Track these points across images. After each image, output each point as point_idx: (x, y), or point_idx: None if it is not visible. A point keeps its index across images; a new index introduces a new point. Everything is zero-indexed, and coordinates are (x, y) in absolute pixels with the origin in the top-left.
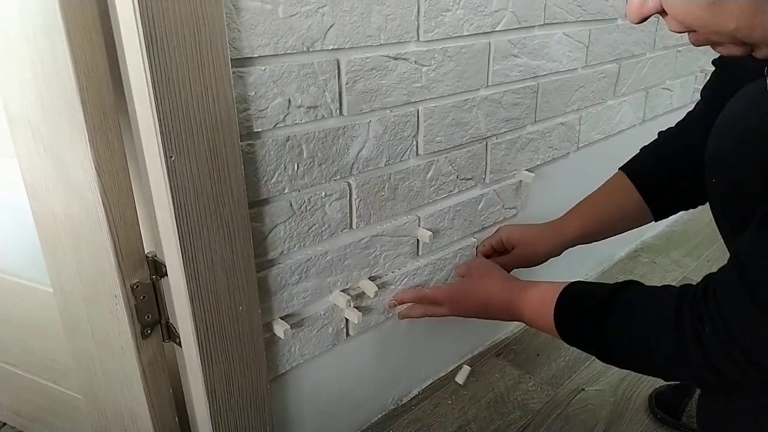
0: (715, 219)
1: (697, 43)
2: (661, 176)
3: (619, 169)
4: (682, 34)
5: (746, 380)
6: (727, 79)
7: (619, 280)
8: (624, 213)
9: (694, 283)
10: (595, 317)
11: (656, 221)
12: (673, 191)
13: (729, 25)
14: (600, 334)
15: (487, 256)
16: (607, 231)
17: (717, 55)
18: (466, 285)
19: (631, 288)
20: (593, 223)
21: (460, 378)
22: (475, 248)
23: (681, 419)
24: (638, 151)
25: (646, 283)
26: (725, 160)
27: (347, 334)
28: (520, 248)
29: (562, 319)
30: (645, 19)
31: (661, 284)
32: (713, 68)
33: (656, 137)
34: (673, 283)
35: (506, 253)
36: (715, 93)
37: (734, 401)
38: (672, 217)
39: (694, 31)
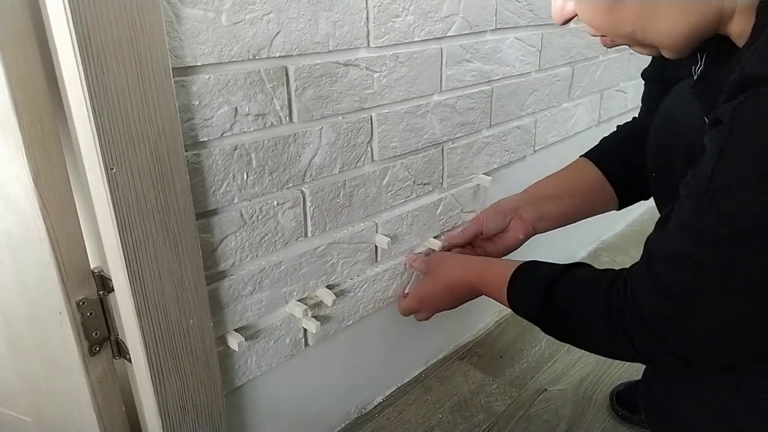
0: (659, 212)
1: (607, 45)
2: (623, 160)
3: (580, 156)
4: (601, 40)
5: (670, 364)
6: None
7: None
8: (591, 196)
9: (621, 277)
10: (538, 297)
11: (620, 209)
12: (635, 175)
13: (626, 29)
14: (543, 313)
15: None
16: (577, 215)
17: None
18: (427, 282)
19: (573, 271)
20: (568, 206)
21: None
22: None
23: (641, 415)
24: (599, 141)
25: None
26: (659, 153)
27: (306, 344)
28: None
29: (514, 297)
30: (567, 21)
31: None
32: None
33: (615, 130)
34: None
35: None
36: (654, 78)
37: (672, 390)
38: (631, 216)
39: (604, 35)
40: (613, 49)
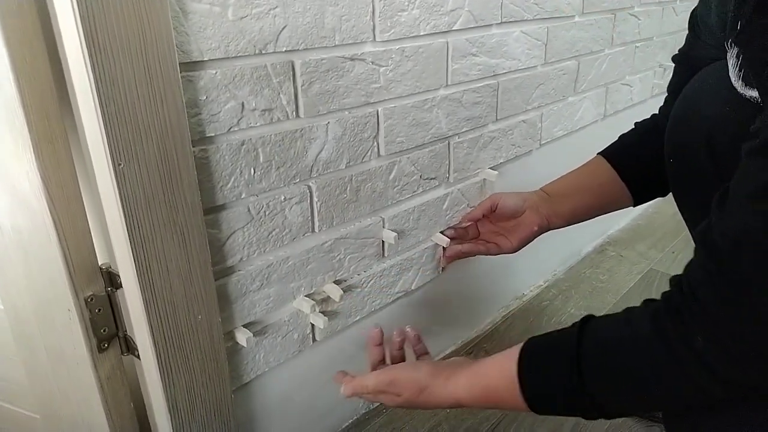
0: (677, 204)
1: None
2: (639, 159)
3: (597, 153)
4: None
5: (759, 381)
6: (688, 67)
7: (587, 275)
8: (604, 193)
9: (663, 293)
10: (567, 372)
11: (635, 206)
12: (650, 174)
13: None
14: (579, 388)
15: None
16: (590, 211)
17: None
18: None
19: (590, 325)
20: (581, 203)
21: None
22: (441, 249)
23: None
24: (616, 139)
25: (614, 276)
26: (678, 140)
27: (314, 339)
28: (510, 220)
29: (529, 385)
30: None
31: (627, 278)
32: (671, 63)
33: (633, 127)
34: (638, 276)
35: (494, 221)
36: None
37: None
38: (637, 211)
39: None
40: (619, 42)
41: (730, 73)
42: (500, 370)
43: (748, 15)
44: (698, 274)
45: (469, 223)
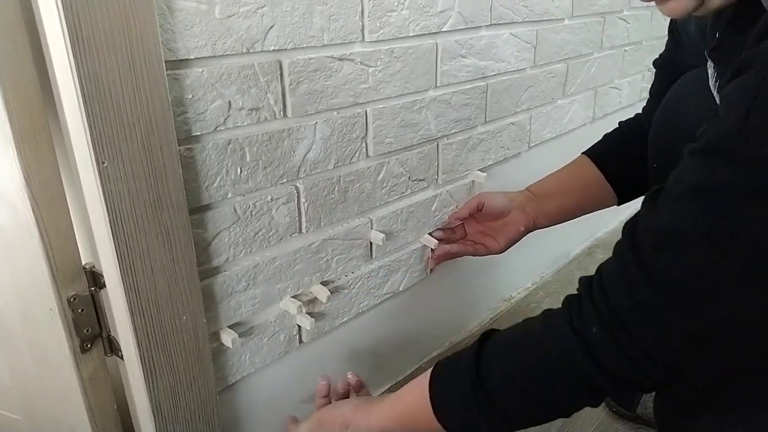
0: None
1: None
2: (623, 158)
3: (582, 153)
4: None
5: (647, 382)
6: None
7: (575, 277)
8: (590, 192)
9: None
10: (468, 379)
11: (620, 204)
12: (635, 173)
13: None
14: (480, 392)
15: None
16: (576, 211)
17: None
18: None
19: (491, 335)
20: (567, 203)
21: None
22: (430, 250)
23: (636, 411)
24: (600, 138)
25: None
26: (660, 145)
27: (300, 341)
28: (497, 220)
29: (437, 396)
30: None
31: None
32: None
33: (617, 126)
34: None
35: (481, 221)
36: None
37: (697, 401)
38: (625, 213)
39: None
40: (608, 46)
41: (710, 82)
42: (415, 393)
43: (722, 31)
44: (613, 266)
45: (457, 223)
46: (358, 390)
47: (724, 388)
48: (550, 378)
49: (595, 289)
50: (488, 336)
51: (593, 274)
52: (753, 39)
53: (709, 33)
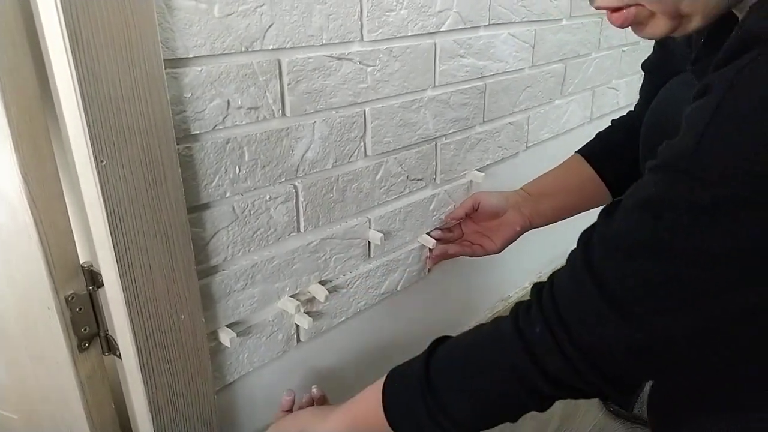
0: None
1: (621, 22)
2: (617, 157)
3: (575, 151)
4: (617, 14)
5: (588, 387)
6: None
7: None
8: (584, 191)
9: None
10: (418, 381)
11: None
12: (627, 169)
13: None
14: (429, 394)
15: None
16: (571, 210)
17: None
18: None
19: (443, 339)
20: (562, 202)
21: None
22: (428, 250)
23: (633, 410)
24: (594, 137)
25: None
26: (650, 147)
27: (298, 340)
28: (493, 220)
29: (389, 405)
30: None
31: None
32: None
33: (610, 124)
34: None
35: (477, 221)
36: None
37: (690, 401)
38: None
39: (632, 5)
40: (605, 46)
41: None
42: (369, 399)
43: (699, 48)
44: (564, 272)
45: (453, 223)
46: (320, 404)
47: (713, 390)
48: (495, 380)
49: (545, 294)
50: (440, 342)
51: (574, 255)
52: (714, 64)
53: (693, 46)
